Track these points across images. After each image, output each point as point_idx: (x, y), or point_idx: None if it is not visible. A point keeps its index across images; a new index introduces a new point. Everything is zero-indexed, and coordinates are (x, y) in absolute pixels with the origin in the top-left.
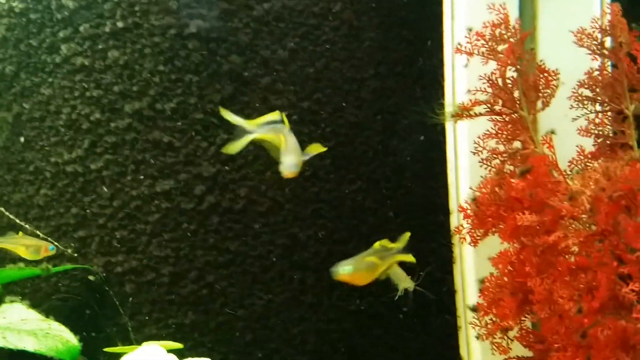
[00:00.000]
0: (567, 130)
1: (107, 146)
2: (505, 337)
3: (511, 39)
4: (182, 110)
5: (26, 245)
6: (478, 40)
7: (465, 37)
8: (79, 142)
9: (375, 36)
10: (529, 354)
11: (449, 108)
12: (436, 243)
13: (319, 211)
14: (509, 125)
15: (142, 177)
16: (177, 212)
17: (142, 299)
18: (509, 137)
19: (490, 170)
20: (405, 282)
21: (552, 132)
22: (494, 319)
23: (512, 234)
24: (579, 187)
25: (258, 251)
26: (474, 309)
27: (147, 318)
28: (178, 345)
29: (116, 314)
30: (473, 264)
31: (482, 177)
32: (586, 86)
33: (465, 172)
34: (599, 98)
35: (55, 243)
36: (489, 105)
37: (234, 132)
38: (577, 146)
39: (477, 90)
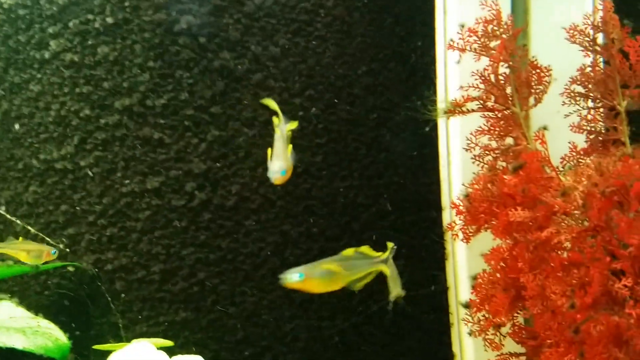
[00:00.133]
0: (559, 126)
1: (97, 143)
2: (498, 334)
3: (503, 35)
4: (172, 106)
5: (27, 250)
6: (470, 36)
7: (458, 33)
8: (68, 138)
9: (368, 32)
10: (522, 350)
11: (441, 104)
12: (428, 239)
13: (311, 208)
14: (502, 122)
15: (132, 173)
16: (168, 209)
17: (132, 296)
18: (501, 133)
19: (482, 167)
20: (397, 292)
21: (545, 128)
22: (486, 315)
23: (505, 230)
24: (572, 182)
25: (249, 248)
26: (467, 306)
27: (138, 316)
28: (168, 343)
29: (107, 312)
30: (465, 261)
31: (474, 173)
32: (578, 82)
33: (457, 169)
34: (591, 94)
35: (52, 242)
36: (481, 102)
37: (225, 129)
38: (569, 142)
39: (469, 87)
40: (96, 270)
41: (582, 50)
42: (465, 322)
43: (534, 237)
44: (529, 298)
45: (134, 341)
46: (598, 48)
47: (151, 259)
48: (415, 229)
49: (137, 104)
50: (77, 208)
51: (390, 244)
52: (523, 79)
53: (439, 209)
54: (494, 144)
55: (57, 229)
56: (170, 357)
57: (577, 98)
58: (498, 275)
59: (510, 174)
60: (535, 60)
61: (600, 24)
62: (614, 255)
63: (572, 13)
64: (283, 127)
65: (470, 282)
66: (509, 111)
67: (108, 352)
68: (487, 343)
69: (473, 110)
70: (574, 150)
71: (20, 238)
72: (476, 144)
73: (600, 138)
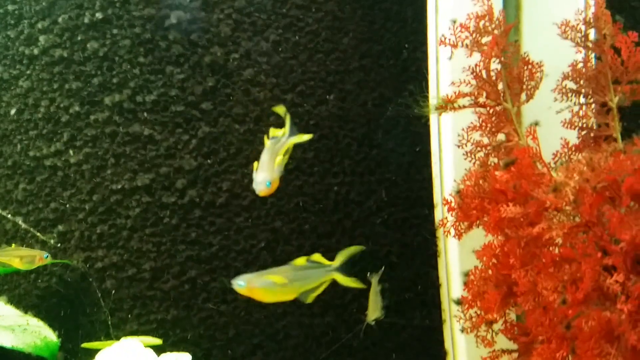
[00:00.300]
0: (551, 122)
1: (87, 139)
2: (490, 330)
3: (495, 31)
4: (162, 102)
5: (20, 257)
6: (462, 32)
7: (450, 29)
8: (58, 135)
9: (359, 28)
10: (514, 346)
11: (433, 100)
12: (420, 236)
13: (302, 205)
14: (493, 118)
15: (122, 170)
16: (158, 206)
17: (123, 294)
18: (493, 129)
19: (474, 163)
20: (375, 313)
21: (536, 124)
22: (478, 311)
23: (496, 226)
24: (563, 178)
25: (241, 245)
26: (459, 302)
27: (128, 314)
28: (157, 341)
29: (97, 310)
30: (458, 257)
31: (466, 169)
32: (570, 78)
33: (449, 165)
34: (583, 90)
35: (44, 238)
36: (473, 98)
37: (215, 125)
38: (561, 139)
39: (461, 83)
40: (86, 268)
41: (574, 46)
42: (458, 318)
43: (525, 233)
44: (521, 294)
45: (123, 339)
46: (590, 44)
47: (142, 256)
48: (407, 225)
49: (127, 100)
50: (67, 205)
51: (345, 251)
52: (515, 75)
53: (431, 205)
54: (485, 140)
55: (46, 227)
56: (159, 355)
57: (569, 94)
58: (490, 271)
59: (502, 170)
60: (527, 56)
61: (592, 20)
62: (606, 251)
63: (564, 9)
64: (284, 139)
65: (462, 278)
66: (500, 107)
67: (96, 351)
68: (479, 340)
69: (465, 107)
70: (565, 146)
71: (13, 244)
72: (468, 140)
73: (592, 134)
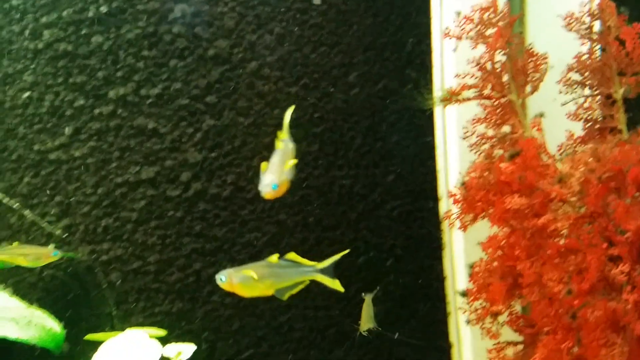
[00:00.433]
0: (556, 114)
1: (92, 133)
2: (495, 322)
3: (500, 23)
4: (167, 95)
5: (25, 255)
6: (467, 24)
7: (454, 21)
8: (62, 129)
9: (363, 20)
10: (519, 338)
11: (437, 93)
12: (425, 229)
13: (307, 197)
14: (498, 110)
15: (127, 163)
16: (163, 199)
17: (128, 287)
18: (498, 121)
19: (479, 155)
20: (367, 324)
21: (541, 115)
22: (483, 304)
23: (502, 217)
24: (568, 169)
25: (245, 238)
26: (464, 294)
27: (133, 306)
28: (161, 332)
29: (102, 303)
30: (463, 250)
31: (471, 162)
32: (575, 70)
33: (454, 157)
34: (587, 82)
35: (50, 229)
36: (477, 90)
37: (220, 118)
38: (566, 131)
39: (465, 75)
40: (91, 261)
41: (579, 38)
42: (463, 310)
43: (530, 225)
44: (526, 286)
45: (127, 330)
46: (594, 36)
47: (147, 249)
48: (412, 218)
49: (132, 94)
50: (72, 199)
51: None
52: (519, 66)
53: (435, 198)
54: (490, 133)
55: (51, 221)
56: (164, 346)
57: (574, 86)
58: (495, 263)
59: (507, 162)
60: (532, 47)
61: (596, 12)
62: (611, 241)
63: (568, 0)
64: (288, 142)
65: (467, 270)
66: (505, 99)
67: (100, 343)
68: (484, 332)
69: (469, 99)
70: (570, 138)
71: (16, 242)
72: (473, 133)
73: (597, 126)
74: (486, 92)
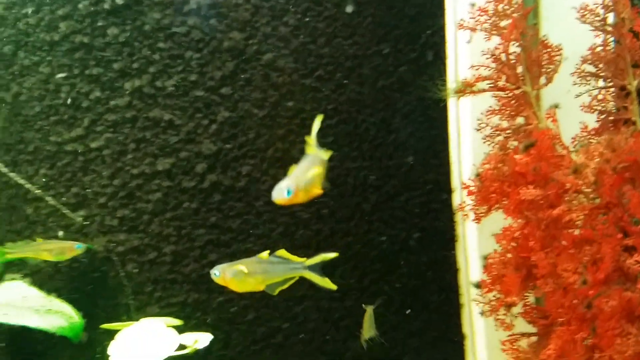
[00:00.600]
0: (570, 106)
1: (108, 124)
2: (509, 314)
3: (514, 14)
4: (182, 87)
5: (49, 250)
6: (481, 15)
7: (468, 12)
8: (78, 120)
9: (377, 12)
10: (533, 330)
11: (451, 84)
12: (439, 221)
13: None
14: (513, 101)
15: (142, 155)
16: (179, 190)
17: (144, 278)
18: (512, 113)
19: (493, 147)
20: (369, 332)
21: (556, 106)
22: (497, 295)
23: (516, 209)
24: (583, 160)
25: (260, 230)
26: (478, 286)
27: (149, 297)
28: (177, 322)
29: (119, 294)
30: (477, 241)
31: (485, 153)
32: (589, 62)
33: (467, 149)
34: (602, 74)
35: (72, 216)
36: (492, 81)
37: (235, 110)
38: (580, 122)
39: (480, 66)
40: (108, 251)
41: (593, 30)
42: (477, 302)
43: (545, 216)
44: (541, 277)
45: (143, 319)
46: (608, 28)
47: (162, 240)
48: (426, 210)
49: (147, 85)
50: (88, 190)
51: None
52: (534, 58)
53: (449, 190)
54: (505, 124)
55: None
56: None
57: (588, 78)
58: (509, 255)
59: (522, 153)
60: (546, 39)
61: (610, 4)
62: (626, 231)
63: None
64: (317, 150)
65: (481, 262)
66: (519, 90)
67: (117, 331)
68: (498, 323)
69: (484, 90)
70: (585, 130)
71: (39, 239)
72: (487, 124)
73: (611, 118)
74: (500, 83)
